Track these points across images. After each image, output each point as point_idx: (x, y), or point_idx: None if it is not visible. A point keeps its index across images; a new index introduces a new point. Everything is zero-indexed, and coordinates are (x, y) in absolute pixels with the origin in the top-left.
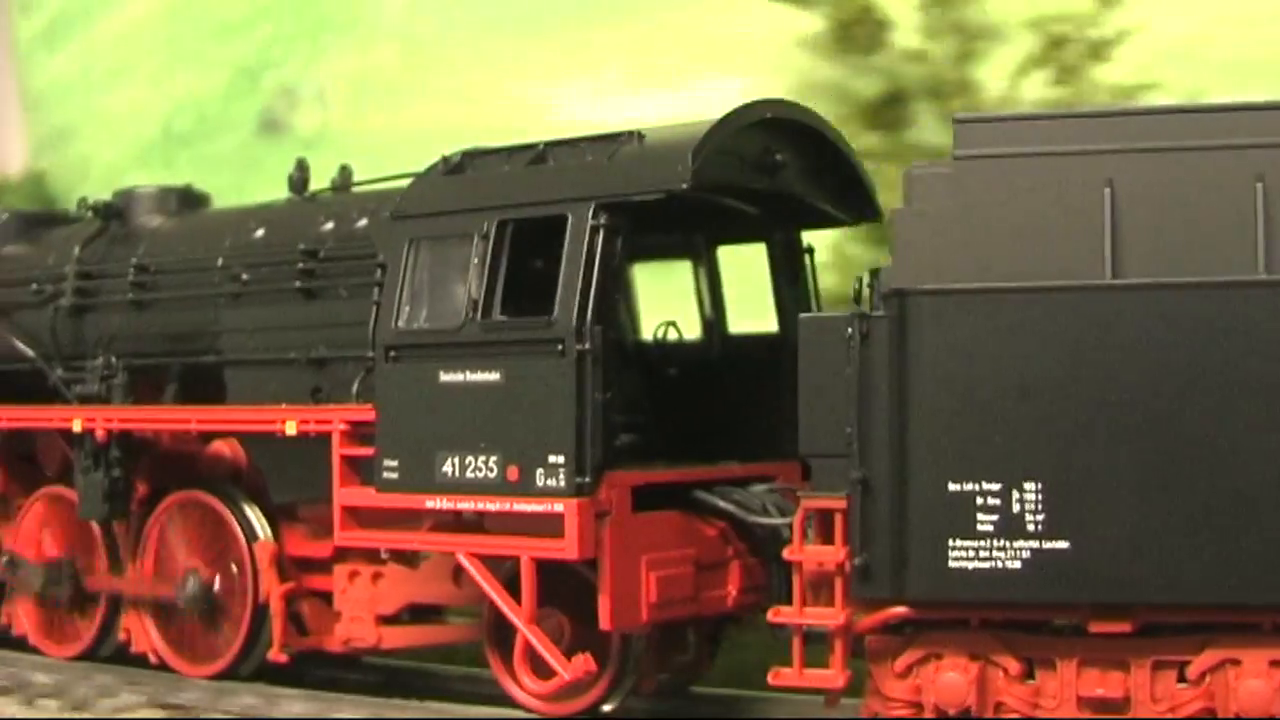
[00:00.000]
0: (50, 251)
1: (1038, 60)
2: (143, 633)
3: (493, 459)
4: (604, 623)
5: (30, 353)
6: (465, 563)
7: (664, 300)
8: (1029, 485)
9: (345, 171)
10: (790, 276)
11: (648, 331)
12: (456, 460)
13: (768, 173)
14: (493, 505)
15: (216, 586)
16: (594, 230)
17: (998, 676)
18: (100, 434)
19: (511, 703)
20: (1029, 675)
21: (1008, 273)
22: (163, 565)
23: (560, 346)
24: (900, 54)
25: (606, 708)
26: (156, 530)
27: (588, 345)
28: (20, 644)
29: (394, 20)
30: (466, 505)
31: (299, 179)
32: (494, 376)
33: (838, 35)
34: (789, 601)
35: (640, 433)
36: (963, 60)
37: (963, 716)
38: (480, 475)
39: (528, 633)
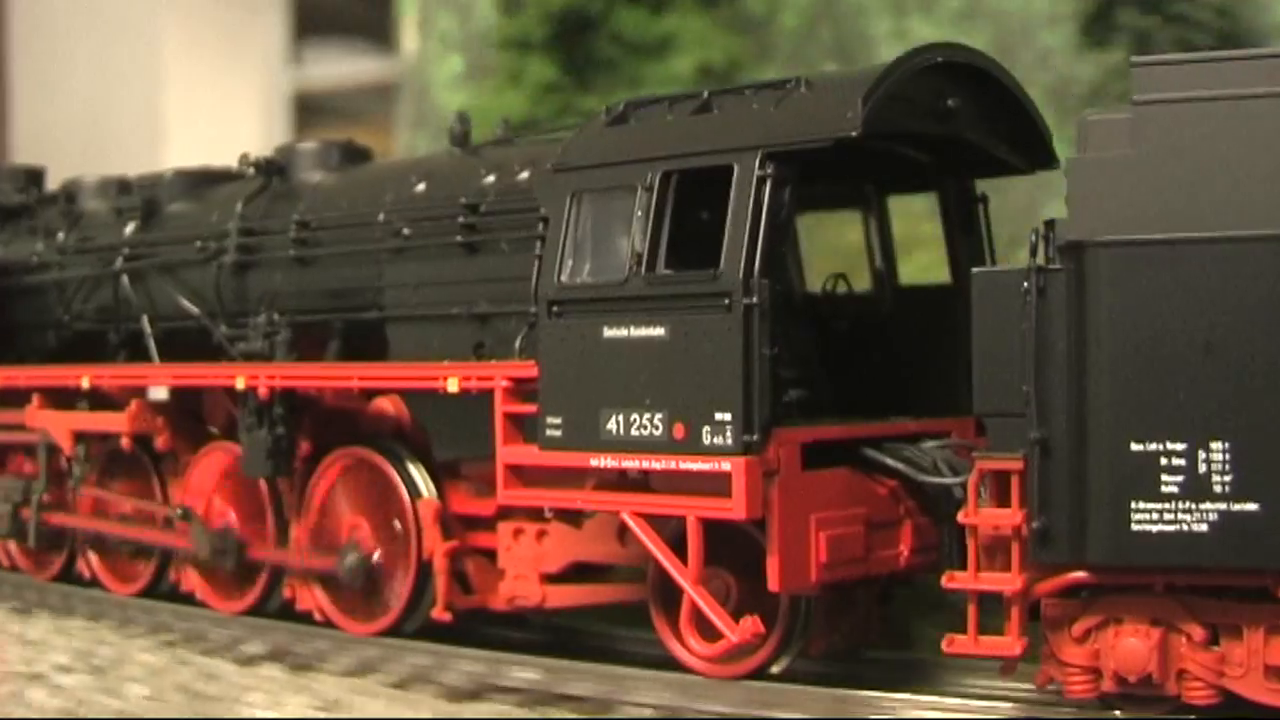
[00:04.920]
0: (213, 209)
1: None
2: (307, 592)
3: (658, 416)
4: (773, 584)
5: (195, 310)
6: (630, 522)
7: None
8: (1216, 445)
9: (506, 124)
10: (964, 226)
11: (816, 284)
12: (621, 418)
13: (940, 119)
14: (658, 464)
15: (377, 558)
16: (760, 180)
17: (1180, 643)
18: (263, 391)
19: (676, 664)
20: (1213, 642)
21: (1190, 223)
22: (327, 522)
23: (727, 301)
24: None
25: (774, 669)
26: (320, 487)
27: (755, 299)
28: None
29: None
30: (631, 464)
31: (460, 132)
32: (659, 332)
33: None
34: (961, 563)
35: (808, 387)
36: None
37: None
38: (645, 433)
39: (694, 594)
